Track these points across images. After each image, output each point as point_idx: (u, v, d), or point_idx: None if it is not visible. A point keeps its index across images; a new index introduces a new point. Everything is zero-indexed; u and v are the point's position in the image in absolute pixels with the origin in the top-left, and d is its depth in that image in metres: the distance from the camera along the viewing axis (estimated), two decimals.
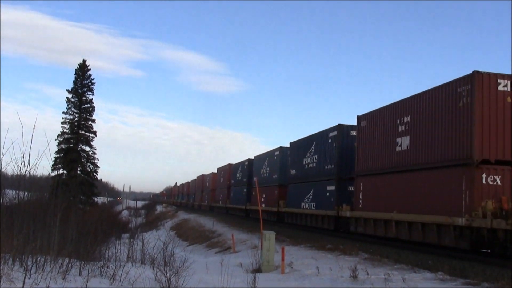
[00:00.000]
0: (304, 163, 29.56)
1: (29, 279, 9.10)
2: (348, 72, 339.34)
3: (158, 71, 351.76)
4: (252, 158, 44.45)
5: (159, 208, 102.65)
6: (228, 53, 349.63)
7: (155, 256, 14.30)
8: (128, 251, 16.19)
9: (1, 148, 10.44)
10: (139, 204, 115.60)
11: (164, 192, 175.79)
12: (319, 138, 27.33)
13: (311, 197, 28.22)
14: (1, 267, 8.97)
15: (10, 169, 11.16)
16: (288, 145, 34.35)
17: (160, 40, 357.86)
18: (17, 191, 12.56)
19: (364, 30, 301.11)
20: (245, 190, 45.15)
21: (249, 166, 44.72)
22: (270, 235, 16.36)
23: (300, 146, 30.80)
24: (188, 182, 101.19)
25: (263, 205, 37.55)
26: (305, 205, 29.06)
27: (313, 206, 27.65)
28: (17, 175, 11.47)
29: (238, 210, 48.12)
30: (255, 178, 34.16)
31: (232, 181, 51.82)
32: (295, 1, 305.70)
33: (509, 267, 12.25)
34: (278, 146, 37.13)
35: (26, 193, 12.71)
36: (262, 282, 12.33)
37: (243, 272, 15.22)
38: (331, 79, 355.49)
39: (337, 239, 22.12)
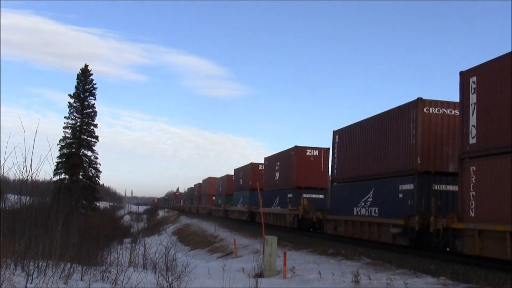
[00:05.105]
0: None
1: (30, 283, 9.10)
2: (350, 74, 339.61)
3: (161, 75, 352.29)
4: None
5: (161, 213, 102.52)
6: (231, 57, 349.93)
7: (157, 261, 14.29)
8: (130, 256, 16.19)
9: (3, 153, 10.48)
10: (141, 209, 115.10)
11: (177, 194, 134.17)
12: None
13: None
14: (3, 272, 8.97)
15: (12, 173, 11.17)
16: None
17: (163, 45, 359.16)
18: (19, 196, 12.57)
19: (366, 33, 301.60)
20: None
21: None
22: (272, 240, 16.36)
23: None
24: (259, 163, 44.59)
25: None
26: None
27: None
28: (19, 179, 11.48)
29: None
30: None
31: None
32: (298, 4, 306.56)
33: (511, 272, 12.20)
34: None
35: (28, 198, 12.71)
36: (264, 287, 12.33)
37: (245, 277, 15.21)
38: (335, 81, 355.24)
39: (339, 243, 21.98)
